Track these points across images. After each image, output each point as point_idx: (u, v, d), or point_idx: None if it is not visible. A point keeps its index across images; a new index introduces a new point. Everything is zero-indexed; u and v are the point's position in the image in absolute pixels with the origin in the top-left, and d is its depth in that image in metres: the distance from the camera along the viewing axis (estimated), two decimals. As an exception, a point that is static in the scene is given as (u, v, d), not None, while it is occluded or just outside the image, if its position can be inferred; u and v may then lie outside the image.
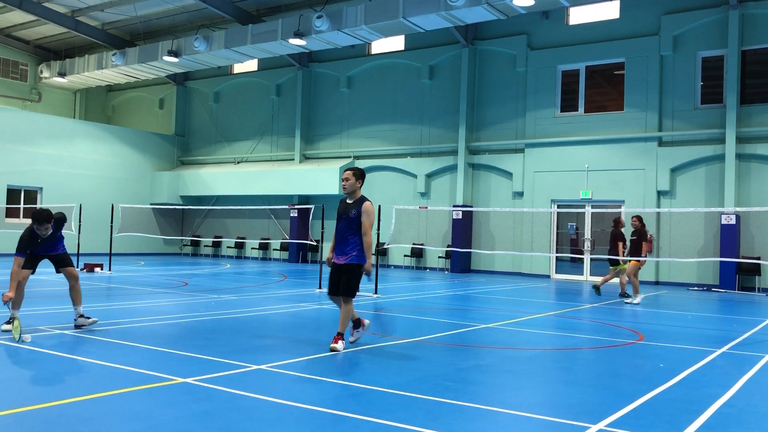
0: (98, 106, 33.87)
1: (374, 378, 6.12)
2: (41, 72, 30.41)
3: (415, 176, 24.71)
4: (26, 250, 8.12)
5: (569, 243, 22.22)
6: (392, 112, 25.62)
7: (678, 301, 14.96)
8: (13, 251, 8.25)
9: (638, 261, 14.13)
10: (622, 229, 15.25)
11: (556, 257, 22.04)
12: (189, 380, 5.71)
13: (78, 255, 19.86)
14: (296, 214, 26.52)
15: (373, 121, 26.05)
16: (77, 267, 18.91)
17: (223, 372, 6.08)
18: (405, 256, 24.78)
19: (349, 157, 26.32)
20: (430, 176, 24.51)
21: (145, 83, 32.13)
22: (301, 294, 13.89)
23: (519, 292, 16.03)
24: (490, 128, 23.45)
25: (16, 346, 7.05)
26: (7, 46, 29.92)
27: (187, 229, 31.26)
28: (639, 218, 14.38)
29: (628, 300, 14.02)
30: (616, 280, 16.49)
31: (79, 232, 19.77)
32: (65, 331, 8.09)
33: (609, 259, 15.33)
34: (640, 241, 14.10)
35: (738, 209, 15.27)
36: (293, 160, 27.78)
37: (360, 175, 7.54)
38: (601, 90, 22.11)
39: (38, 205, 26.16)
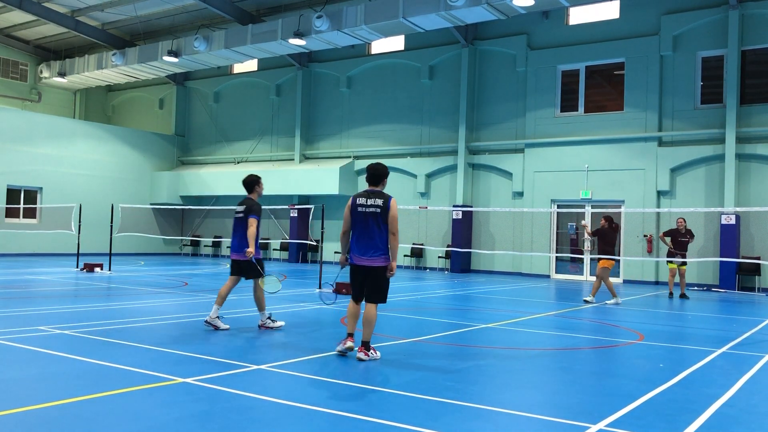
0: (98, 106, 33.86)
1: (374, 378, 6.12)
2: (41, 72, 30.40)
3: (415, 176, 24.70)
4: (260, 216, 8.83)
5: (569, 243, 22.22)
6: (392, 112, 25.61)
7: (678, 301, 14.96)
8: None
9: (607, 261, 13.99)
10: (682, 230, 15.65)
11: (556, 257, 22.03)
12: (189, 380, 5.71)
13: (78, 255, 19.90)
14: (296, 214, 26.52)
15: (373, 121, 26.05)
16: (77, 267, 18.99)
17: (223, 372, 6.08)
18: (405, 256, 24.78)
19: (349, 157, 26.32)
20: (430, 176, 24.51)
21: (145, 83, 32.13)
22: (301, 294, 13.88)
23: (519, 292, 16.02)
24: (490, 128, 23.45)
25: (16, 346, 7.05)
26: (7, 46, 29.91)
27: (187, 229, 31.25)
28: (606, 218, 14.18)
29: (610, 301, 13.87)
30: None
31: (79, 232, 19.78)
32: (65, 331, 8.09)
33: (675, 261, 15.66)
34: (604, 241, 13.98)
35: (738, 209, 15.29)
36: (293, 160, 27.78)
37: None
38: (601, 90, 22.11)
39: (38, 205, 26.16)
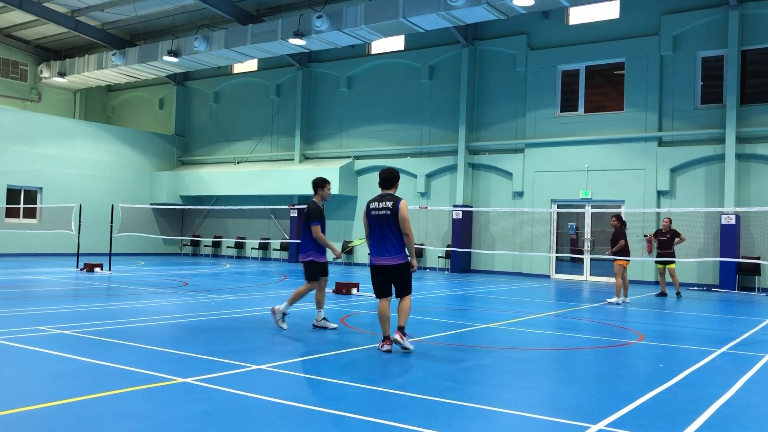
0: (98, 106, 33.86)
1: (374, 378, 6.12)
2: (41, 72, 30.40)
3: (415, 176, 24.70)
4: (322, 219, 8.93)
5: (569, 243, 22.21)
6: (392, 112, 25.61)
7: (678, 301, 14.96)
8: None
9: (623, 261, 14.12)
10: (663, 230, 15.96)
11: (556, 257, 22.03)
12: (189, 380, 5.71)
13: (78, 255, 19.90)
14: (296, 214, 26.52)
15: (373, 121, 26.04)
16: (77, 267, 18.99)
17: (223, 372, 6.08)
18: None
19: (349, 157, 26.32)
20: (430, 176, 24.51)
21: (145, 83, 32.13)
22: (301, 294, 13.86)
23: (519, 292, 16.02)
24: (490, 128, 23.45)
25: (16, 346, 7.05)
26: (7, 46, 29.91)
27: (187, 229, 31.26)
28: (617, 217, 14.40)
29: (612, 300, 13.95)
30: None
31: (79, 232, 19.78)
32: (65, 331, 8.09)
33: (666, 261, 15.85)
34: (618, 241, 14.11)
35: (738, 209, 15.32)
36: (293, 160, 27.78)
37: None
38: (601, 90, 22.10)
39: (38, 205, 26.16)
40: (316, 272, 8.88)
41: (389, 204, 7.42)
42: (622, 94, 21.13)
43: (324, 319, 9.03)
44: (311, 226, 8.80)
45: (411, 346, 7.32)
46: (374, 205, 7.54)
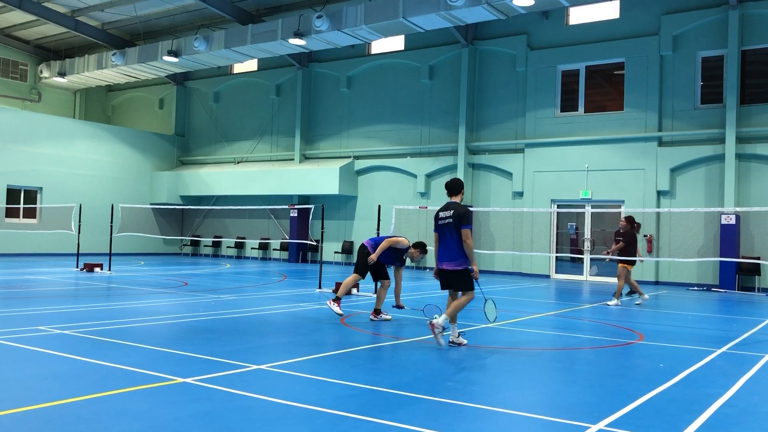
0: (98, 106, 33.86)
1: (374, 378, 6.12)
2: (41, 72, 30.40)
3: (415, 176, 24.70)
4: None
5: (569, 243, 22.22)
6: (392, 112, 25.61)
7: (678, 301, 14.96)
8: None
9: (627, 264, 13.79)
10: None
11: (556, 257, 22.04)
12: (189, 380, 5.71)
13: (78, 255, 19.90)
14: (296, 214, 26.52)
15: (373, 121, 26.04)
16: (77, 267, 19.00)
17: (223, 372, 6.08)
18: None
19: (349, 157, 26.31)
20: (430, 176, 24.50)
21: (145, 83, 32.13)
22: (301, 294, 13.88)
23: (519, 292, 16.02)
24: (490, 128, 23.45)
25: (16, 346, 7.05)
26: (7, 46, 29.91)
27: (187, 229, 31.25)
28: (627, 219, 13.96)
29: (611, 303, 13.74)
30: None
31: (79, 232, 19.79)
32: (65, 331, 8.09)
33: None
34: (627, 243, 13.67)
35: (738, 209, 15.29)
36: (293, 160, 27.78)
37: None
38: (601, 90, 22.11)
39: (38, 205, 26.15)
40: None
41: (451, 213, 7.82)
42: (622, 94, 21.13)
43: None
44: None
45: (439, 320, 7.73)
46: (440, 214, 7.95)
